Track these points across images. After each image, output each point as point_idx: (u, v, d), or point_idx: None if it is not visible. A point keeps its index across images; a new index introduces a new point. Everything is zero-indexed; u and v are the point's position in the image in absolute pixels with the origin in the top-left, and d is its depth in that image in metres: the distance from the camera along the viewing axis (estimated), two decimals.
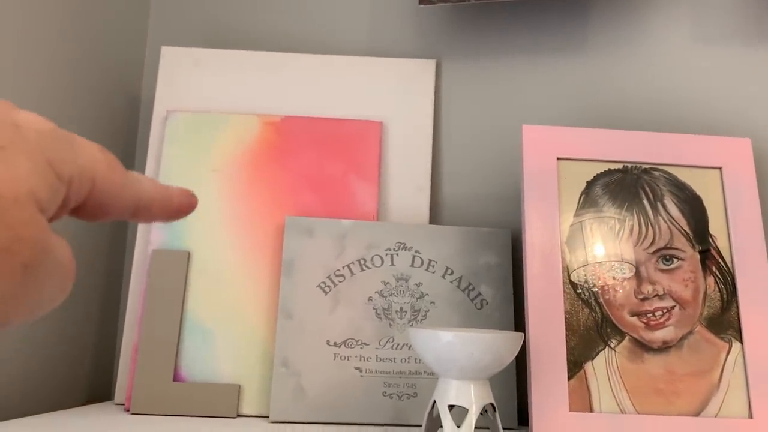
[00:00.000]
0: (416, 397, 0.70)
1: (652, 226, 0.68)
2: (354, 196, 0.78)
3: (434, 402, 0.56)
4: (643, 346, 0.64)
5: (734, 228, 0.68)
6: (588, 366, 0.63)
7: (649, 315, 0.65)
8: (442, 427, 0.54)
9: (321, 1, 0.91)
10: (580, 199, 0.69)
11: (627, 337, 0.64)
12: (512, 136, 0.84)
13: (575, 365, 0.63)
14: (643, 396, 0.62)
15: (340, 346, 0.71)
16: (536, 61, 0.85)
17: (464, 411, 0.53)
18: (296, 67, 0.84)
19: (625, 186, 0.69)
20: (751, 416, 0.62)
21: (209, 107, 0.83)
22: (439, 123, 0.85)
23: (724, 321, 0.65)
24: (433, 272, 0.74)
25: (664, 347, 0.64)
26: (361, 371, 0.70)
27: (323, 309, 0.72)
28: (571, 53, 0.84)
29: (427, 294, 0.73)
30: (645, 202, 0.69)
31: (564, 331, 0.64)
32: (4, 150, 0.20)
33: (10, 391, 0.69)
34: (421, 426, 0.68)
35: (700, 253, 0.67)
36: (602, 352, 0.64)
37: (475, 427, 0.53)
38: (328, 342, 0.71)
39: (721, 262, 0.67)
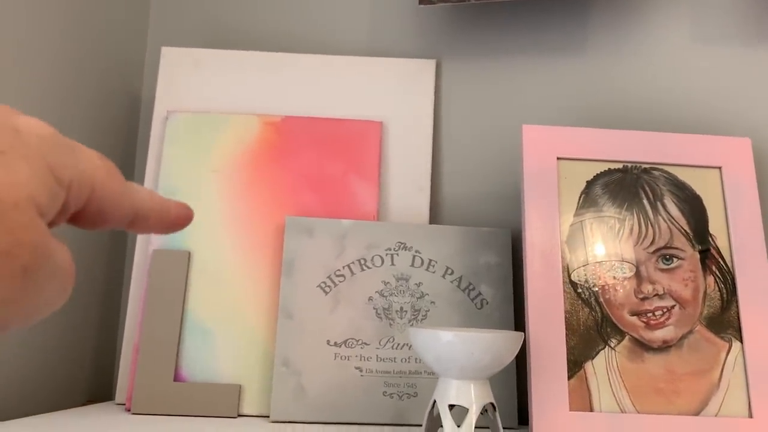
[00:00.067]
0: (416, 396, 0.70)
1: (652, 226, 0.68)
2: (354, 196, 0.78)
3: (434, 401, 0.56)
4: (643, 346, 0.64)
5: (734, 227, 0.68)
6: (588, 365, 0.63)
7: (649, 314, 0.65)
8: (442, 426, 0.54)
9: (321, 2, 0.91)
10: (580, 199, 0.69)
11: (627, 337, 0.64)
12: (512, 135, 0.84)
13: (575, 365, 0.63)
14: (643, 395, 0.63)
15: (340, 346, 0.71)
16: (536, 60, 0.85)
17: (464, 410, 0.53)
18: (296, 68, 0.84)
19: (625, 186, 0.69)
20: (751, 415, 0.62)
21: (209, 107, 0.83)
22: (439, 123, 0.85)
23: (724, 320, 0.65)
24: (434, 272, 0.74)
25: (664, 347, 0.64)
26: (361, 371, 0.70)
27: (323, 309, 0.72)
28: (571, 53, 0.84)
29: (428, 294, 0.73)
30: (645, 201, 0.69)
31: (564, 330, 0.64)
32: (4, 155, 0.20)
33: (10, 391, 0.69)
34: (421, 426, 0.68)
35: (700, 252, 0.67)
36: (602, 351, 0.64)
37: (476, 427, 0.53)
38: (328, 342, 0.71)
39: (721, 262, 0.67)
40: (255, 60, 0.84)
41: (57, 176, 0.22)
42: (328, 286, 0.73)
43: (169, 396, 0.70)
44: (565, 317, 0.64)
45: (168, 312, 0.73)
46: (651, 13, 0.83)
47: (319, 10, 0.91)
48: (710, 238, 0.68)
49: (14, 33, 0.69)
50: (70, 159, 0.23)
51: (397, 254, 0.74)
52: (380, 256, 0.74)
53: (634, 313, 0.65)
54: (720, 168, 0.70)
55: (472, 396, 0.54)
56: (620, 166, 0.70)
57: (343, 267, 0.73)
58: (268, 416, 0.71)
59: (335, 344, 0.71)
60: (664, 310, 0.65)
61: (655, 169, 0.70)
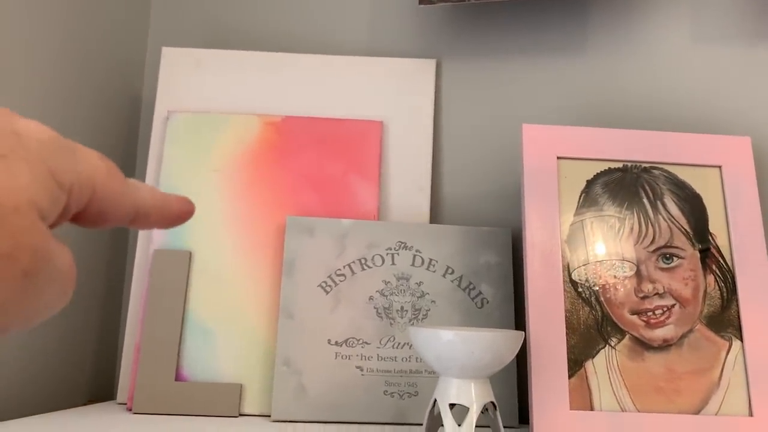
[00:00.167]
0: (417, 395, 0.70)
1: (652, 225, 0.68)
2: (354, 196, 0.79)
3: (435, 400, 0.56)
4: (644, 345, 0.64)
5: (734, 226, 0.68)
6: (588, 364, 0.63)
7: (650, 313, 0.65)
8: (443, 425, 0.54)
9: (321, 2, 0.91)
10: (580, 198, 0.69)
11: (627, 336, 0.64)
12: (512, 135, 0.84)
13: (576, 364, 0.63)
14: (644, 394, 0.63)
15: (341, 346, 0.71)
16: (536, 60, 0.85)
17: (465, 409, 0.53)
18: (297, 68, 0.84)
19: (625, 185, 0.69)
20: (751, 414, 0.62)
21: (210, 107, 0.83)
22: (439, 122, 0.85)
23: (724, 319, 0.65)
24: (434, 271, 0.74)
25: (665, 345, 0.64)
26: (362, 370, 0.70)
27: (324, 308, 0.72)
28: (571, 53, 0.84)
29: (428, 293, 0.73)
30: (645, 200, 0.69)
31: (564, 329, 0.64)
32: (4, 158, 0.20)
33: (12, 391, 0.69)
34: (422, 425, 0.68)
35: (700, 251, 0.67)
36: (602, 350, 0.64)
37: (476, 426, 0.53)
38: (329, 341, 0.71)
39: (721, 261, 0.67)
40: (255, 60, 0.85)
41: (58, 180, 0.22)
42: (329, 286, 0.73)
43: (171, 396, 0.70)
44: (566, 316, 0.64)
45: (169, 312, 0.73)
46: (651, 13, 0.83)
47: (319, 10, 0.91)
48: (710, 237, 0.68)
49: (15, 33, 0.69)
50: (71, 162, 0.23)
51: (398, 254, 0.74)
52: (381, 256, 0.74)
53: (634, 312, 0.65)
54: (720, 167, 0.70)
55: (473, 395, 0.54)
56: (620, 165, 0.70)
57: (344, 266, 0.73)
58: (269, 416, 0.71)
59: (336, 343, 0.71)
60: (665, 309, 0.65)
61: (655, 168, 0.70)
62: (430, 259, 0.74)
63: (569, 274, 0.66)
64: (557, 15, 0.85)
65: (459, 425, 0.53)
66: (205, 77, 0.84)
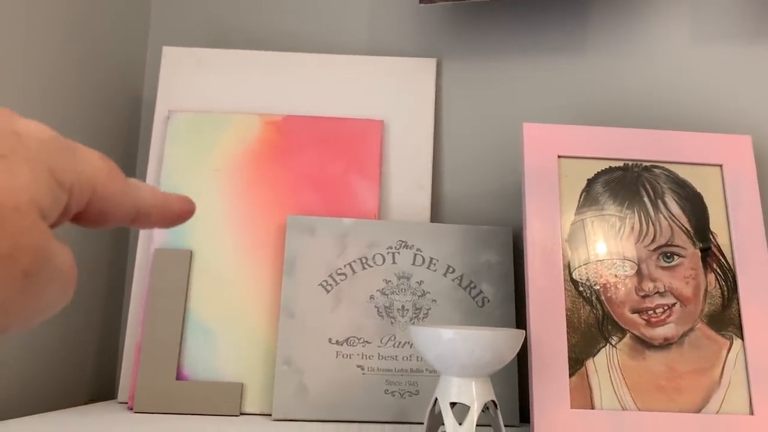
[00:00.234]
0: (418, 394, 0.70)
1: (652, 224, 0.68)
2: (355, 195, 0.79)
3: (436, 399, 0.56)
4: (644, 343, 0.64)
5: (735, 225, 0.68)
6: (589, 363, 0.64)
7: (650, 312, 0.65)
8: (443, 424, 0.54)
9: (322, 1, 0.91)
10: (580, 197, 0.69)
11: (628, 334, 0.64)
12: (513, 134, 0.84)
13: (576, 362, 0.63)
14: (645, 393, 0.63)
15: (342, 345, 0.71)
16: (537, 59, 0.85)
17: (466, 408, 0.53)
18: (297, 67, 0.84)
19: (625, 183, 0.69)
20: (752, 413, 0.62)
21: (211, 107, 0.83)
22: (439, 121, 0.86)
23: (725, 318, 0.65)
24: (435, 270, 0.74)
25: (665, 344, 0.64)
26: (363, 369, 0.70)
27: (325, 307, 0.72)
28: (572, 52, 0.84)
29: (429, 292, 0.73)
30: (646, 199, 0.69)
31: (565, 328, 0.64)
32: (5, 158, 0.20)
33: (13, 390, 0.69)
34: (423, 423, 0.68)
35: (701, 250, 0.67)
36: (603, 349, 0.64)
37: (477, 425, 0.53)
38: (330, 340, 0.71)
39: (722, 259, 0.67)
40: (256, 59, 0.85)
41: (58, 179, 0.22)
42: (330, 285, 0.73)
43: (172, 395, 0.70)
44: (566, 315, 0.64)
45: (170, 311, 0.73)
46: (651, 12, 0.83)
47: (320, 10, 0.91)
48: (711, 236, 0.68)
49: (15, 33, 0.69)
50: (71, 162, 0.23)
51: (399, 253, 0.74)
52: (381, 255, 0.74)
53: (635, 311, 0.65)
54: (721, 166, 0.70)
55: (474, 394, 0.54)
56: (621, 164, 0.70)
57: (345, 265, 0.73)
58: (270, 414, 0.71)
59: (337, 343, 0.71)
60: (665, 307, 0.65)
61: (656, 167, 0.70)
62: (431, 258, 0.74)
63: (570, 273, 0.66)
64: (557, 14, 0.85)
65: (460, 424, 0.53)
66: (206, 77, 0.84)
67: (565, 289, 0.65)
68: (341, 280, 0.73)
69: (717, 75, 0.80)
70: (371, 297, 0.72)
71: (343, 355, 0.71)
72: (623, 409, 0.62)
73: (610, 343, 0.64)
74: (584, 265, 0.66)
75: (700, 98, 0.80)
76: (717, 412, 0.62)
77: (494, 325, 0.72)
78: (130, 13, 0.90)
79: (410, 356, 0.71)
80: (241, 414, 0.71)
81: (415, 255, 0.74)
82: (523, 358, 0.72)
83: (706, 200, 0.69)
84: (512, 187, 0.83)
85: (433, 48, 0.87)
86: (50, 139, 0.22)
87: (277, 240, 0.76)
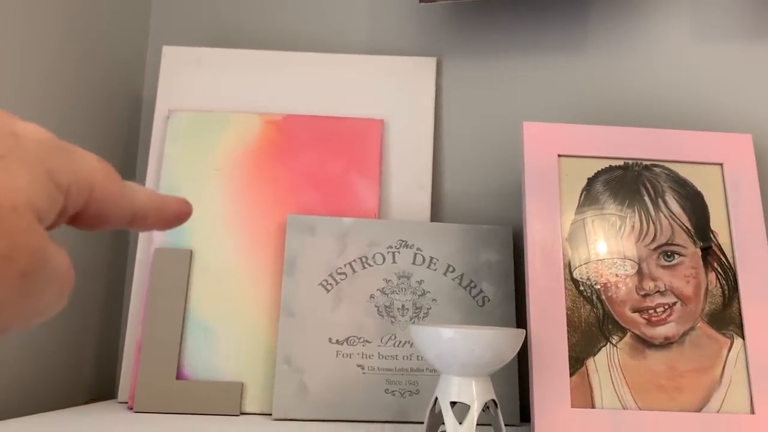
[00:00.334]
0: (418, 394, 0.70)
1: (653, 223, 0.68)
2: (355, 194, 0.79)
3: (436, 399, 0.56)
4: (645, 342, 0.64)
5: (735, 224, 0.68)
6: (590, 362, 0.63)
7: (651, 311, 0.65)
8: (444, 423, 0.54)
9: (322, 0, 0.91)
10: (581, 196, 0.69)
11: (628, 334, 0.64)
12: (513, 133, 0.84)
13: (577, 361, 0.63)
14: (645, 392, 0.63)
15: (342, 344, 0.71)
16: (537, 58, 0.85)
17: (466, 407, 0.53)
18: (297, 66, 0.84)
19: (626, 182, 0.69)
20: (753, 412, 0.62)
21: (211, 106, 0.83)
22: (440, 120, 0.85)
23: (726, 317, 0.65)
24: (435, 270, 0.74)
25: (666, 343, 0.64)
26: (363, 368, 0.70)
27: (325, 307, 0.72)
28: (572, 50, 0.84)
29: (429, 291, 0.73)
30: (646, 198, 0.69)
31: (565, 327, 0.64)
32: (3, 160, 0.20)
33: (13, 390, 0.69)
34: (423, 423, 0.68)
35: (702, 249, 0.67)
36: (604, 348, 0.64)
37: (477, 424, 0.53)
38: (330, 340, 0.71)
39: (723, 258, 0.67)
40: (256, 58, 0.85)
41: (55, 181, 0.22)
42: (330, 284, 0.73)
43: (172, 394, 0.70)
44: (567, 314, 0.64)
45: (170, 310, 0.73)
46: (651, 11, 0.83)
47: (320, 9, 0.91)
48: (711, 235, 0.68)
49: (16, 33, 0.69)
50: (68, 163, 0.23)
51: (399, 252, 0.74)
52: (381, 254, 0.74)
53: (635, 310, 0.65)
54: (721, 164, 0.70)
55: (474, 393, 0.54)
56: (621, 163, 0.70)
57: (345, 265, 0.73)
58: (270, 414, 0.71)
59: (337, 342, 0.71)
60: (666, 306, 0.65)
61: (656, 165, 0.70)
62: (431, 258, 0.74)
63: (570, 272, 0.66)
64: (558, 13, 0.85)
65: (460, 423, 0.53)
66: (206, 76, 0.84)
67: (566, 288, 0.65)
68: (341, 280, 0.73)
69: (717, 74, 0.80)
70: (371, 296, 0.72)
71: (343, 355, 0.70)
72: (624, 409, 0.62)
73: (611, 343, 0.64)
74: (585, 264, 0.66)
75: (701, 97, 0.80)
76: (718, 411, 0.62)
77: (494, 324, 0.72)
78: (130, 13, 0.90)
79: (410, 355, 0.71)
80: (242, 413, 0.71)
81: (416, 254, 0.74)
82: (523, 357, 0.72)
83: (706, 199, 0.69)
84: (512, 186, 0.83)
85: (433, 47, 0.87)
86: (48, 141, 0.23)
87: (277, 239, 0.76)
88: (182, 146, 0.79)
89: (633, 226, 0.68)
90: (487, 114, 0.85)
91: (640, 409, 0.62)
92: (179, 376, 0.71)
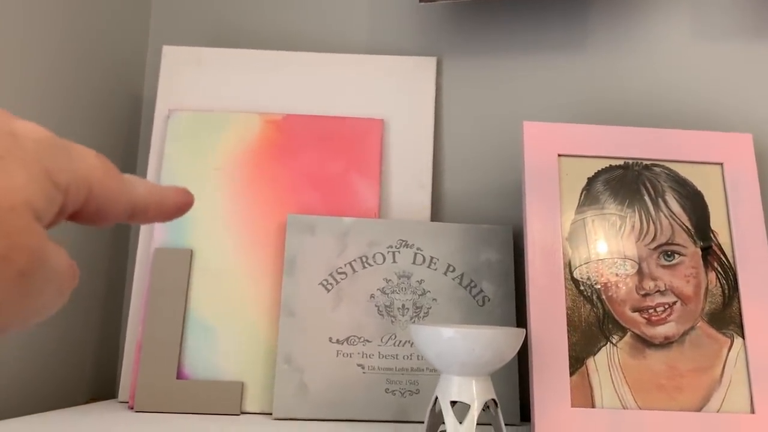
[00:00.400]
0: (418, 393, 0.70)
1: (653, 222, 0.68)
2: (355, 194, 0.79)
3: (436, 398, 0.56)
4: (645, 342, 0.64)
5: (735, 223, 0.68)
6: (590, 362, 0.63)
7: (651, 311, 0.65)
8: (444, 423, 0.54)
9: (322, 0, 0.91)
10: (581, 196, 0.69)
11: (628, 333, 0.64)
12: (513, 132, 0.84)
13: (577, 361, 0.63)
14: (645, 391, 0.63)
15: (342, 344, 0.71)
16: (537, 58, 0.85)
17: (466, 407, 0.53)
18: (297, 66, 0.84)
19: (626, 182, 0.69)
20: (753, 411, 0.62)
21: (211, 106, 0.83)
22: (440, 120, 0.85)
23: (726, 316, 0.65)
24: (435, 269, 0.74)
25: (666, 343, 0.64)
26: (363, 368, 0.70)
27: (325, 306, 0.72)
28: (572, 50, 0.84)
29: (429, 291, 0.73)
30: (646, 198, 0.69)
31: (565, 327, 0.64)
32: (1, 159, 0.20)
33: (13, 389, 0.69)
34: (423, 422, 0.68)
35: (702, 248, 0.67)
36: (604, 347, 0.64)
37: (477, 423, 0.53)
38: (330, 339, 0.71)
39: (723, 258, 0.67)
40: (256, 58, 0.85)
41: (54, 180, 0.22)
42: (330, 284, 0.73)
43: (172, 394, 0.70)
44: (567, 314, 0.64)
45: (170, 310, 0.73)
46: (651, 10, 0.83)
47: (320, 9, 0.91)
48: (712, 234, 0.68)
49: (15, 32, 0.69)
50: (67, 162, 0.23)
51: (399, 252, 0.74)
52: (382, 254, 0.74)
53: (635, 310, 0.65)
54: (721, 164, 0.70)
55: (474, 392, 0.54)
56: (621, 162, 0.70)
57: (345, 264, 0.73)
58: (270, 413, 0.71)
59: (337, 341, 0.71)
60: (666, 306, 0.65)
61: (657, 165, 0.70)
62: (431, 257, 0.74)
63: (570, 272, 0.66)
64: (558, 12, 0.85)
65: (460, 423, 0.53)
66: (206, 75, 0.84)
67: (566, 287, 0.65)
68: (341, 279, 0.73)
69: (717, 73, 0.80)
70: (372, 296, 0.72)
71: (343, 354, 0.71)
72: (624, 408, 0.62)
73: (611, 342, 0.64)
74: (585, 263, 0.66)
75: (701, 96, 0.80)
76: (718, 411, 0.62)
77: (494, 323, 0.72)
78: (130, 13, 0.90)
79: (411, 355, 0.71)
80: (242, 413, 0.71)
81: (416, 254, 0.74)
82: (523, 356, 0.72)
83: (706, 198, 0.69)
84: (512, 185, 0.83)
85: (433, 47, 0.87)
86: (46, 140, 0.22)
87: (277, 239, 0.76)
88: (182, 146, 0.79)
89: (633, 226, 0.68)
90: (487, 114, 0.85)
91: (640, 409, 0.62)
92: (179, 375, 0.71)
